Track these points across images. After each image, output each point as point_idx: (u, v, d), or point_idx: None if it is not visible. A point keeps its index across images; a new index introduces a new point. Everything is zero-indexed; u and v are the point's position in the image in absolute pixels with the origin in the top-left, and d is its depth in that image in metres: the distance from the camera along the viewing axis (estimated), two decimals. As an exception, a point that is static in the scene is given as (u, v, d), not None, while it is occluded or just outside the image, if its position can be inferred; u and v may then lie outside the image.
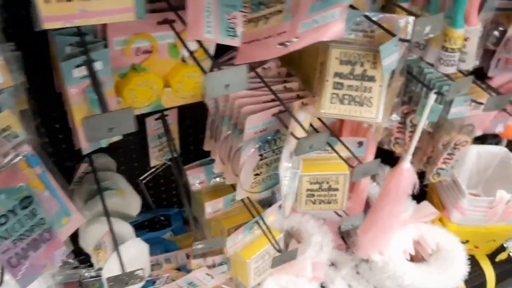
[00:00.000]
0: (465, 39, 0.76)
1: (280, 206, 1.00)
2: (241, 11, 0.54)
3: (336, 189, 0.96)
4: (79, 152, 0.73)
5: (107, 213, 0.79)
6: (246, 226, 0.94)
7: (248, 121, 0.75)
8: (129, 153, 1.03)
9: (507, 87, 1.14)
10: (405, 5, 0.80)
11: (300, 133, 0.81)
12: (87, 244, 0.84)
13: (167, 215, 1.18)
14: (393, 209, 1.03)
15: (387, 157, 1.10)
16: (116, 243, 0.74)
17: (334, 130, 1.03)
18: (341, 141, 0.86)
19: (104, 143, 0.74)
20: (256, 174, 0.84)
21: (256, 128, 0.77)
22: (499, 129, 1.23)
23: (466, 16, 0.74)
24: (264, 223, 0.93)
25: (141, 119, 0.94)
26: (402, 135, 1.07)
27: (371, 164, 0.81)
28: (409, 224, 1.17)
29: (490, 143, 1.32)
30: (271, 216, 0.99)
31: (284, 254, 0.87)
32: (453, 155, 1.01)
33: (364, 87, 0.75)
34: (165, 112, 0.96)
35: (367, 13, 0.75)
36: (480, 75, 1.10)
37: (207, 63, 0.81)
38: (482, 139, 1.33)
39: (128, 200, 0.92)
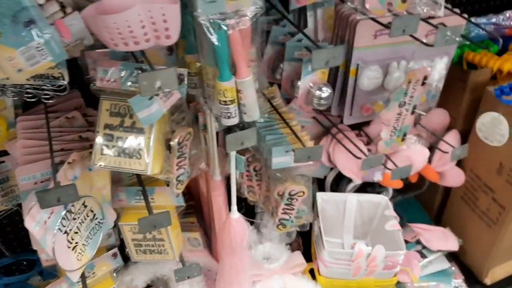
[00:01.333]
0: (238, 91, 0.74)
1: (114, 255, 0.99)
2: None
3: (162, 239, 0.94)
4: None
5: None
6: (68, 274, 0.93)
7: (17, 172, 0.75)
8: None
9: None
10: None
11: (101, 182, 0.81)
12: None
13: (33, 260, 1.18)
14: (233, 260, 1.00)
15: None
16: None
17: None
18: (144, 194, 0.85)
19: None
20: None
21: (35, 179, 0.78)
22: (377, 177, 1.19)
23: (236, 69, 0.73)
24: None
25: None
26: (252, 183, 1.05)
27: (160, 215, 0.80)
28: (275, 275, 1.13)
29: (379, 192, 1.27)
30: (103, 266, 0.98)
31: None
32: (293, 206, 0.98)
33: (133, 139, 0.75)
34: (1, 158, 0.98)
35: (142, 66, 0.76)
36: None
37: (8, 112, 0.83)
38: (372, 186, 1.28)
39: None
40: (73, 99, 0.92)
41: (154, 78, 0.64)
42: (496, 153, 1.10)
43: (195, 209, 1.15)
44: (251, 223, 1.21)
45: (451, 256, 1.30)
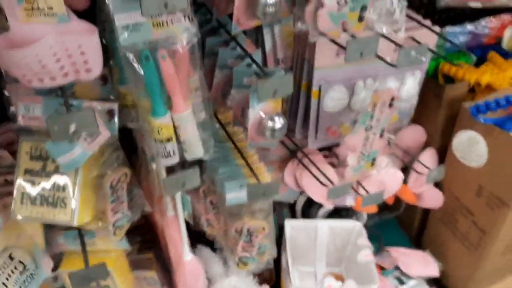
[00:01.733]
0: (176, 127, 0.66)
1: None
2: None
3: (107, 286, 0.85)
4: None
5: None
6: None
7: None
8: None
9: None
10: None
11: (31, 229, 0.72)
12: None
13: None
14: (190, 303, 0.91)
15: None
16: None
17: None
18: (81, 240, 0.76)
19: None
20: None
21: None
22: (349, 202, 1.11)
23: (173, 103, 0.64)
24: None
25: None
26: (209, 216, 0.96)
27: (96, 268, 0.71)
28: (240, 313, 1.04)
29: (354, 215, 1.18)
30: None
31: None
32: (253, 242, 0.89)
33: (57, 186, 0.66)
34: None
35: (68, 101, 0.67)
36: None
37: None
38: (346, 209, 1.20)
39: None
40: (6, 133, 0.83)
41: (68, 122, 0.55)
42: (475, 174, 1.02)
43: (153, 243, 1.06)
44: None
45: (433, 281, 1.21)
